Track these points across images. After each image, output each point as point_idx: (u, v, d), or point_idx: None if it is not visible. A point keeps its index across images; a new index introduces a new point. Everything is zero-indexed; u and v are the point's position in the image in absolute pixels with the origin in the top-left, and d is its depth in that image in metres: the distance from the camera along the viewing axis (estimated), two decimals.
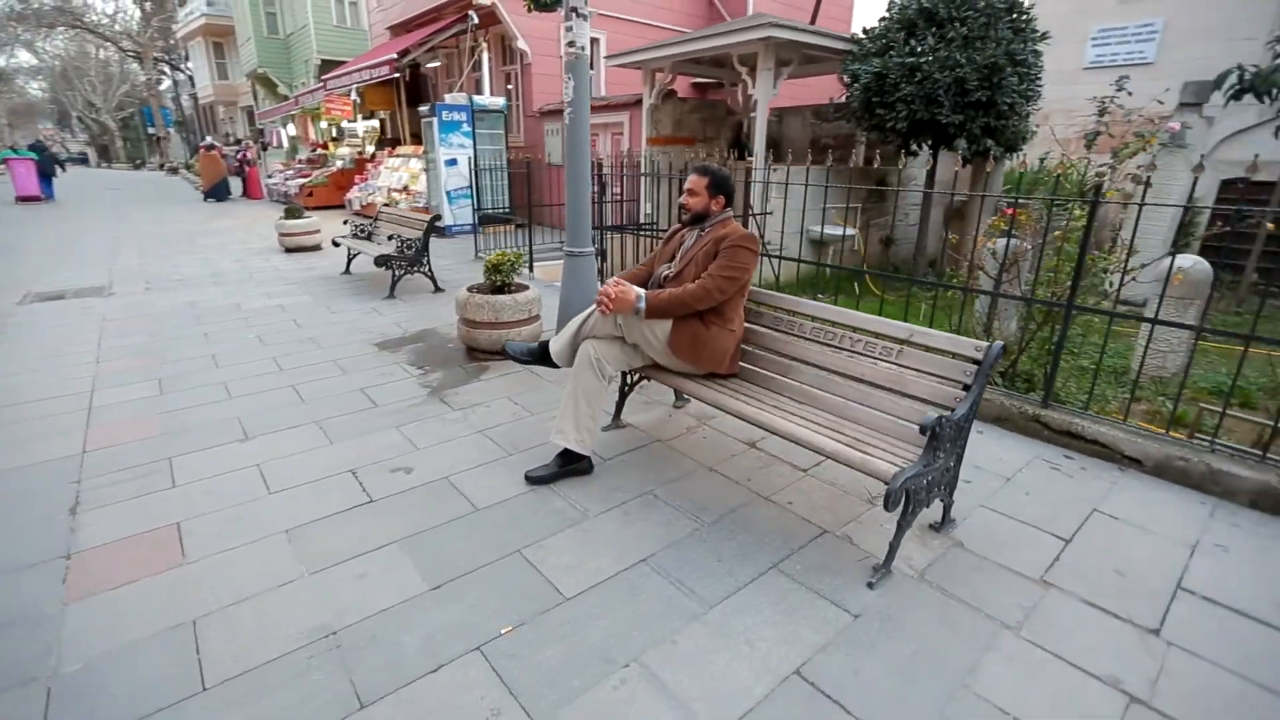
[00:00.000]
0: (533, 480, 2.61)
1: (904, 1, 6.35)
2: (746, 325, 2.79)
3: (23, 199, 14.57)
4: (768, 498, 2.54)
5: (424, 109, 10.14)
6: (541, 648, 1.75)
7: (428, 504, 2.46)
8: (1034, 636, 1.82)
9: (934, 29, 6.02)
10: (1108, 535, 2.32)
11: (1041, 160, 5.90)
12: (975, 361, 2.13)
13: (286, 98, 19.12)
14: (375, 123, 15.48)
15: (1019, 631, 1.84)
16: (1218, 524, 2.41)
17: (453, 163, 9.95)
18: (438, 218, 5.98)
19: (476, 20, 10.75)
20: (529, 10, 4.39)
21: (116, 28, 33.68)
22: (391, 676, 1.65)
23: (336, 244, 6.75)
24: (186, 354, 4.21)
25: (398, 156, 12.32)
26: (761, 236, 4.86)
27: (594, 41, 11.17)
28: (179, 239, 9.61)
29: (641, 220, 7.41)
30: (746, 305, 2.80)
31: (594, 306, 2.60)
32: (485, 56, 11.24)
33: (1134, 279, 3.14)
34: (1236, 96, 5.81)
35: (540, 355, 2.81)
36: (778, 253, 4.41)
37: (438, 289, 6.06)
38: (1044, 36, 6.24)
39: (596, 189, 5.54)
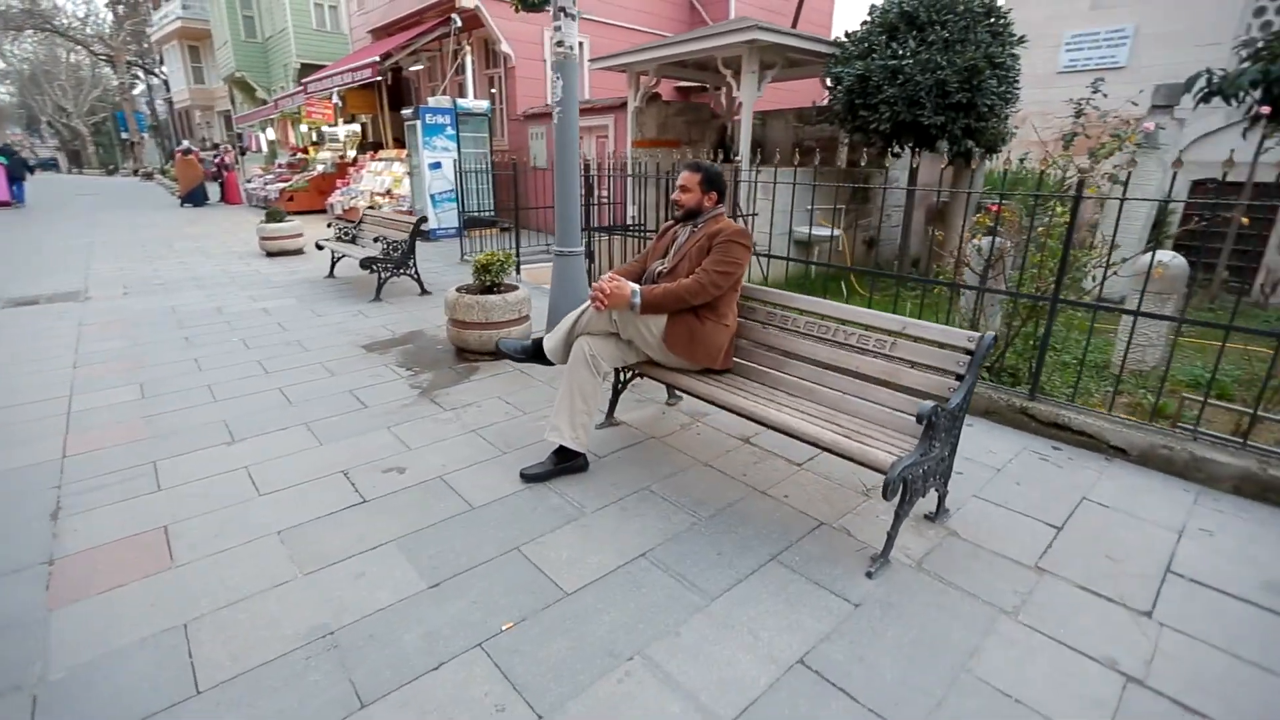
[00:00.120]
0: (528, 478, 2.59)
1: (885, 5, 6.45)
2: (740, 321, 2.80)
3: None
4: (764, 492, 2.55)
5: (407, 112, 10.07)
6: (544, 643, 1.74)
7: (423, 503, 2.43)
8: (1031, 621, 1.85)
9: (915, 32, 6.12)
10: (1097, 522, 2.37)
11: (1021, 160, 6.02)
12: (968, 352, 2.16)
13: (265, 102, 18.88)
14: (356, 127, 15.35)
15: (1016, 616, 1.87)
16: (1202, 509, 2.46)
17: (437, 166, 9.89)
18: (424, 219, 5.93)
19: (459, 23, 10.72)
20: (516, 10, 4.37)
21: (88, 31, 33.05)
22: (392, 675, 1.63)
23: (320, 247, 6.66)
24: (168, 358, 4.13)
25: (380, 160, 12.22)
26: None
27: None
28: (156, 244, 9.43)
29: (628, 222, 7.42)
30: (739, 301, 2.81)
31: (588, 303, 2.60)
32: (469, 60, 11.20)
33: (1115, 273, 3.21)
34: (1205, 99, 5.99)
35: (534, 352, 2.80)
36: (766, 252, 4.44)
37: (424, 291, 6.01)
38: (1021, 40, 6.37)
39: (583, 191, 5.54)
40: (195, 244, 9.43)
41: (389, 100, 14.27)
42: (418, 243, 5.93)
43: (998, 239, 3.57)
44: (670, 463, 2.78)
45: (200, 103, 25.91)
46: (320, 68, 15.01)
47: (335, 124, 14.93)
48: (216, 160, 17.51)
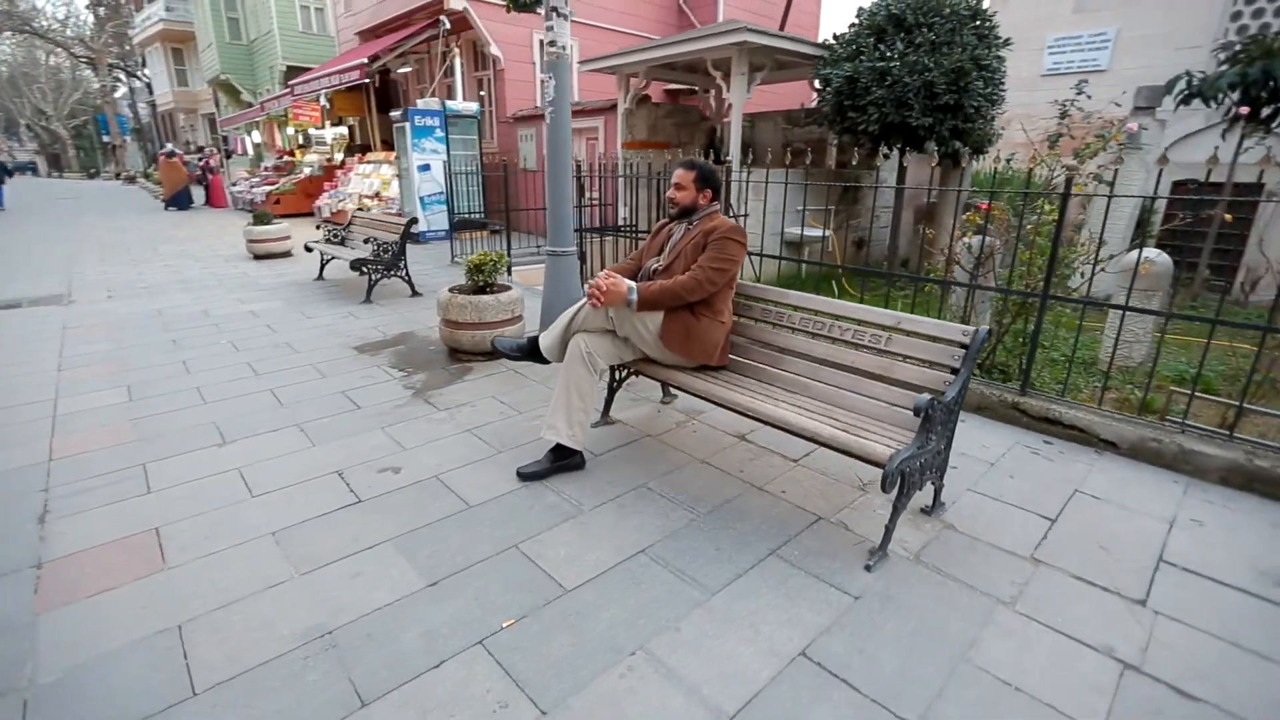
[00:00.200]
0: (525, 476, 2.58)
1: (873, 8, 6.51)
2: (735, 318, 2.81)
3: None
4: (761, 488, 2.56)
5: (396, 114, 10.02)
6: (545, 639, 1.73)
7: (418, 503, 2.41)
8: (1029, 610, 1.86)
9: (902, 35, 6.19)
10: (1090, 514, 2.39)
11: (1008, 161, 6.10)
12: (963, 346, 2.18)
13: (250, 105, 18.71)
14: (344, 129, 15.25)
15: (1014, 606, 1.88)
16: (1191, 500, 2.50)
17: (426, 168, 9.84)
18: (414, 220, 5.89)
19: (448, 26, 10.68)
20: (508, 10, 4.37)
21: (68, 33, 32.60)
22: (392, 674, 1.61)
23: (309, 249, 6.61)
24: (155, 361, 4.07)
25: (369, 163, 12.14)
26: None
27: None
28: (141, 247, 9.30)
29: (619, 223, 7.43)
30: (734, 298, 2.82)
31: (584, 301, 2.59)
32: (457, 62, 11.17)
33: (1103, 269, 3.25)
34: (1185, 101, 6.10)
35: (530, 350, 2.79)
36: (757, 251, 4.46)
37: (415, 293, 5.97)
38: (1006, 42, 6.45)
39: (575, 192, 5.53)
40: (180, 247, 9.32)
41: (377, 103, 14.19)
42: (407, 245, 5.90)
43: (987, 237, 3.62)
44: (667, 460, 2.78)
45: (184, 105, 25.62)
46: (306, 70, 14.89)
47: (322, 126, 14.83)
48: (201, 163, 17.32)
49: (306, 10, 16.97)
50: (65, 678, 1.59)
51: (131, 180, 27.33)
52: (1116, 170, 2.89)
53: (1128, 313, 3.04)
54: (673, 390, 3.47)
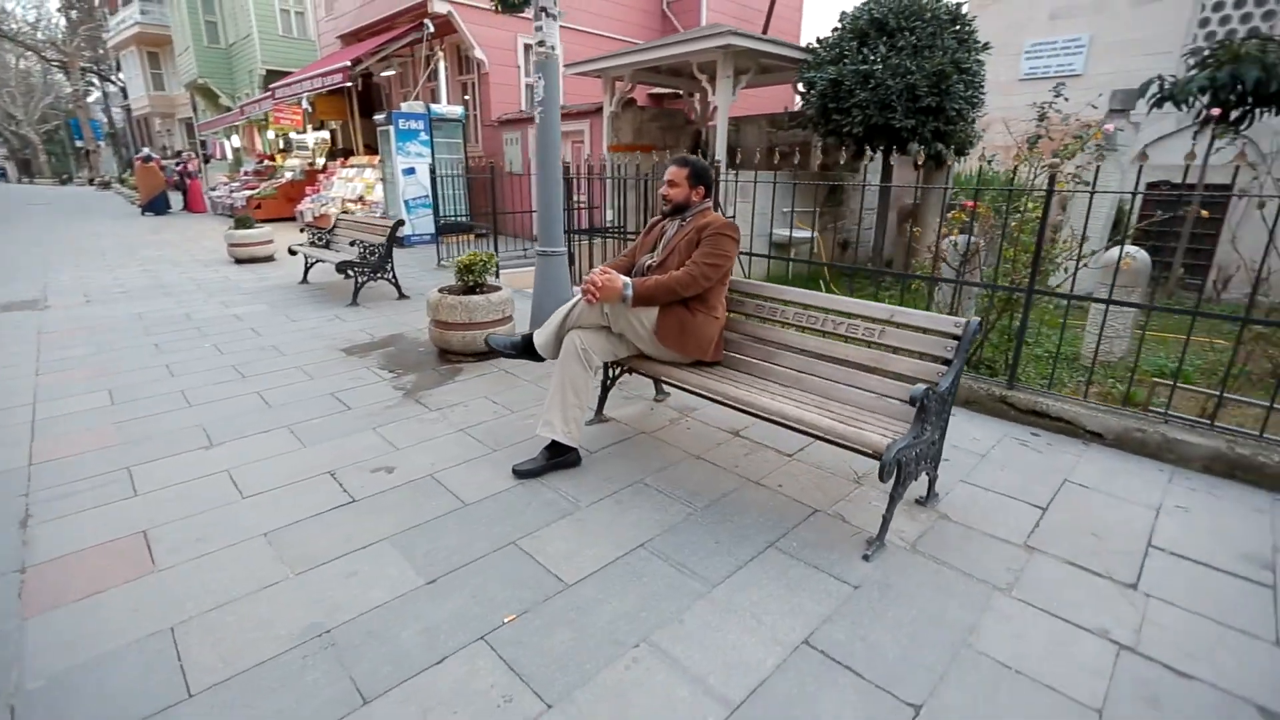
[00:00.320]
0: (521, 474, 2.56)
1: (855, 12, 6.61)
2: (729, 314, 2.83)
3: None
4: (757, 482, 2.57)
5: (380, 117, 9.95)
6: (548, 634, 1.72)
7: (414, 501, 2.38)
8: (1025, 596, 1.89)
9: (885, 38, 6.29)
10: (1080, 502, 2.44)
11: (989, 162, 6.21)
12: (955, 337, 2.21)
13: (229, 109, 18.46)
14: (326, 134, 15.10)
15: (1010, 592, 1.91)
16: (1176, 488, 2.55)
17: (410, 172, 9.78)
18: (401, 222, 5.85)
19: (432, 29, 10.65)
20: (497, 11, 4.36)
21: (39, 36, 31.93)
22: (393, 671, 1.59)
23: (293, 252, 6.52)
24: (137, 364, 3.98)
25: (351, 167, 12.03)
26: None
27: None
28: (118, 252, 9.11)
29: (606, 225, 7.44)
30: (728, 294, 2.83)
31: (579, 297, 2.59)
32: (441, 66, 11.13)
33: (1086, 265, 3.32)
34: (1158, 104, 6.27)
35: (524, 348, 2.78)
36: (746, 251, 4.49)
37: (402, 296, 5.92)
38: (985, 46, 6.58)
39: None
40: (159, 252, 9.15)
41: (359, 107, 14.07)
42: (393, 249, 5.84)
43: (973, 235, 3.68)
44: (662, 457, 2.78)
45: (160, 110, 25.18)
46: (286, 74, 14.72)
47: (304, 130, 14.67)
48: (179, 168, 17.03)
49: (286, 14, 16.81)
50: (54, 682, 1.55)
51: (106, 186, 26.77)
52: (1098, 167, 2.96)
53: (1109, 310, 3.11)
54: (665, 388, 3.47)
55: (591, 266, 6.52)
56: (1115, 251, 3.48)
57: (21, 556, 2.03)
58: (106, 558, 2.03)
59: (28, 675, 1.57)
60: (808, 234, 7.25)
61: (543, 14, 3.78)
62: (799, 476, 2.61)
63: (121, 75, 28.66)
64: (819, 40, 6.96)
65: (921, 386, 1.99)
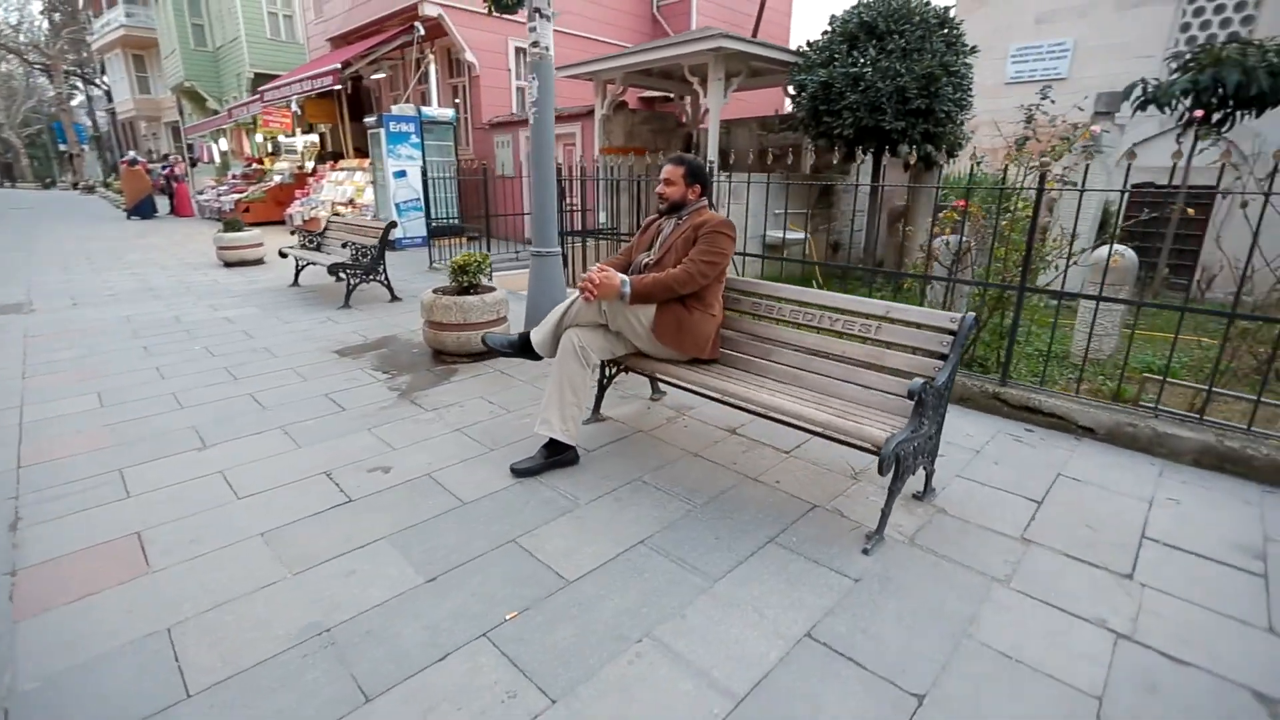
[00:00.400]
0: (519, 473, 2.56)
1: (845, 16, 6.67)
2: (725, 312, 2.83)
3: None
4: (755, 479, 2.57)
5: (371, 120, 9.91)
6: (550, 630, 1.71)
7: (411, 500, 2.37)
8: (1023, 587, 1.91)
9: (874, 41, 6.35)
10: (1074, 495, 2.46)
11: (978, 164, 6.29)
12: (950, 332, 2.23)
13: (216, 112, 18.31)
14: (315, 137, 15.01)
15: (1009, 584, 1.92)
16: (1167, 481, 2.59)
17: (401, 174, 9.75)
18: (394, 224, 5.82)
19: (422, 32, 10.63)
20: (490, 13, 4.37)
21: (21, 39, 31.55)
22: (395, 668, 1.58)
23: (284, 254, 6.47)
24: (126, 366, 3.94)
25: (341, 170, 11.97)
26: None
27: None
28: (104, 256, 9.00)
29: (598, 228, 7.44)
30: (725, 293, 2.84)
31: (576, 295, 2.59)
32: (432, 69, 11.11)
33: (1075, 263, 3.37)
34: (1142, 107, 6.37)
35: (521, 346, 2.77)
36: (740, 252, 4.51)
37: (395, 298, 5.89)
38: (973, 50, 6.67)
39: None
40: (146, 255, 9.04)
41: (349, 110, 14.01)
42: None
43: (965, 235, 3.72)
44: (660, 455, 2.78)
45: (146, 113, 24.93)
46: (274, 77, 14.64)
47: (293, 134, 14.58)
48: (166, 171, 16.85)
49: (275, 17, 16.72)
50: (49, 684, 1.52)
51: (90, 190, 26.47)
52: (1087, 166, 3.00)
53: (1099, 308, 3.15)
54: (661, 387, 3.48)
55: (585, 268, 6.53)
56: (1104, 250, 3.53)
57: (11, 559, 1.99)
58: (99, 560, 2.00)
59: (21, 678, 1.54)
60: (800, 235, 7.30)
61: (536, 14, 3.79)
62: (796, 473, 2.62)
63: (106, 78, 28.36)
64: (809, 43, 7.02)
65: (919, 381, 2.01)
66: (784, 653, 1.64)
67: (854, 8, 6.68)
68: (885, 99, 6.10)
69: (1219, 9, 7.84)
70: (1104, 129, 6.75)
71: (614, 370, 3.13)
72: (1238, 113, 5.76)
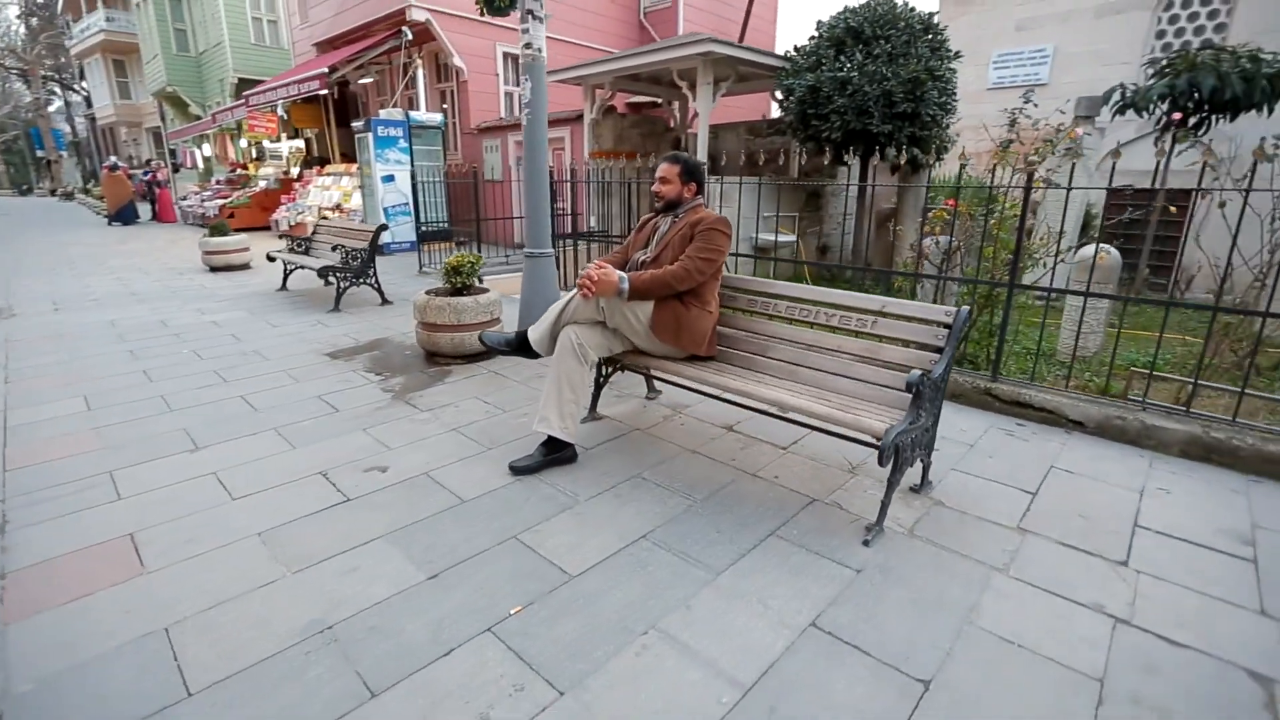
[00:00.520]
0: (517, 471, 2.55)
1: (832, 21, 6.76)
2: (722, 309, 2.85)
3: None
4: (754, 474, 2.58)
5: (358, 124, 9.86)
6: (556, 624, 1.70)
7: (410, 499, 2.35)
8: (1022, 575, 1.93)
9: (861, 46, 6.44)
10: (1067, 487, 2.50)
11: (963, 167, 6.39)
12: (946, 326, 2.26)
13: (199, 118, 18.11)
14: (300, 142, 14.90)
15: (1007, 572, 1.95)
16: (1157, 472, 2.64)
17: (390, 179, 9.70)
18: (384, 227, 5.78)
19: (410, 36, 10.61)
20: (482, 14, 4.37)
21: None
22: (400, 664, 1.56)
23: (272, 259, 6.41)
24: (112, 370, 3.87)
25: (328, 175, 11.89)
26: None
27: None
28: (86, 261, 8.86)
29: (589, 230, 7.46)
30: (721, 290, 2.86)
31: (574, 293, 2.59)
32: (420, 73, 11.08)
33: (1063, 260, 3.43)
34: (1121, 111, 6.51)
35: (519, 344, 2.76)
36: (732, 252, 4.54)
37: (385, 301, 5.85)
38: (957, 55, 6.78)
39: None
40: (129, 261, 8.91)
41: (335, 115, 13.92)
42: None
43: (954, 235, 3.78)
44: (658, 452, 2.79)
45: (127, 119, 24.61)
46: (259, 83, 14.52)
47: (279, 139, 14.46)
48: (148, 177, 16.63)
49: (259, 22, 16.60)
50: (45, 685, 1.49)
51: (69, 196, 26.03)
52: (1074, 165, 3.06)
53: (1086, 305, 3.21)
54: (657, 386, 3.48)
55: (575, 272, 6.52)
56: (1090, 248, 3.60)
57: (1, 563, 1.95)
58: (93, 562, 1.97)
59: (15, 679, 1.51)
60: (790, 238, 7.36)
61: (529, 16, 3.81)
62: (794, 468, 2.64)
63: (85, 84, 27.96)
64: (796, 48, 7.10)
65: (916, 373, 2.03)
66: (790, 642, 1.64)
67: (840, 13, 6.77)
68: (872, 103, 6.18)
69: (1193, 17, 8.05)
70: (1085, 132, 6.89)
71: (610, 369, 3.14)
72: (1213, 117, 5.91)
